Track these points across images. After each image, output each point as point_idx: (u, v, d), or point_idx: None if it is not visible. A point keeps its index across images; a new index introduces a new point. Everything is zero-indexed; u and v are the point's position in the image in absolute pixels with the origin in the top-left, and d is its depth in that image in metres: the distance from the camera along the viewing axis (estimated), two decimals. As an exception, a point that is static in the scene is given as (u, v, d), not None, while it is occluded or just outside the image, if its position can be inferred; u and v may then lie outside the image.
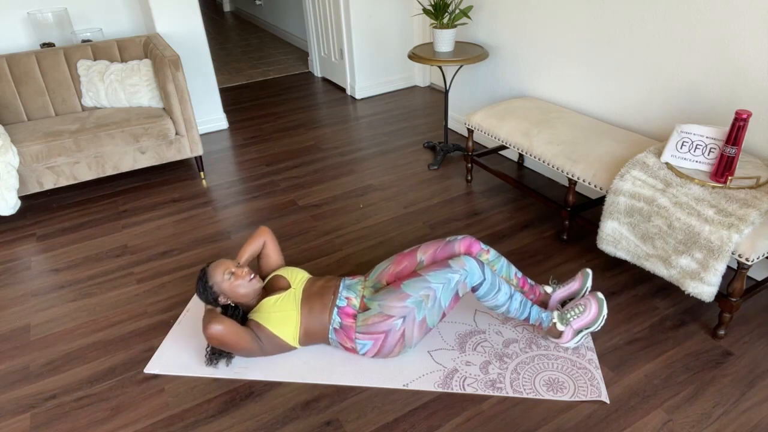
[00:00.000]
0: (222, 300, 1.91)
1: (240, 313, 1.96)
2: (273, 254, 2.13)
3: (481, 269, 1.81)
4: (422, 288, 1.79)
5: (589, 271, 2.05)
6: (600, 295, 1.91)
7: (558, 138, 2.45)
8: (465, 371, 1.86)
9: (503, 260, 2.02)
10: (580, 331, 1.90)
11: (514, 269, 2.03)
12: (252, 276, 1.91)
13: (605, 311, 1.88)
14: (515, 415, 1.71)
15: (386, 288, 1.86)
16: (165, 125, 3.04)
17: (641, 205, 1.97)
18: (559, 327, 1.90)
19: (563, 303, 2.07)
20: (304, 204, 2.98)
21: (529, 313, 1.89)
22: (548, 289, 2.07)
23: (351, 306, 1.88)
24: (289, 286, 1.96)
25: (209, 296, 1.89)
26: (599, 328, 1.94)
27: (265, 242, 2.12)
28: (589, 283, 2.04)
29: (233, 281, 1.88)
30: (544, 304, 2.06)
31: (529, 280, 2.06)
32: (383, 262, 2.03)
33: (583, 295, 2.03)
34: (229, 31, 7.36)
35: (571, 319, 1.90)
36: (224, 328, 1.77)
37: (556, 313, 1.92)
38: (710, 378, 1.81)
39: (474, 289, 1.83)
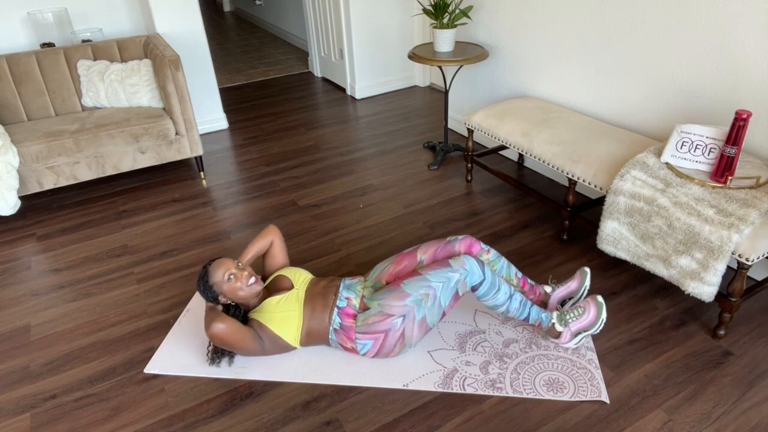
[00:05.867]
0: (222, 300, 1.90)
1: (241, 312, 1.96)
2: (279, 254, 2.12)
3: (481, 269, 1.81)
4: (422, 287, 1.79)
5: (587, 269, 2.05)
6: (600, 298, 1.91)
7: (558, 138, 2.45)
8: (465, 371, 1.86)
9: (503, 260, 2.02)
10: (579, 333, 1.90)
11: (514, 269, 2.04)
12: (252, 279, 1.89)
13: (604, 315, 1.88)
14: (515, 415, 1.71)
15: (386, 287, 1.86)
16: (165, 125, 3.04)
17: (641, 205, 1.97)
18: (558, 328, 1.90)
19: (563, 302, 2.07)
20: (304, 204, 2.98)
21: (529, 313, 1.89)
22: (548, 289, 2.07)
23: (351, 306, 1.88)
24: (292, 287, 1.96)
25: (209, 295, 1.88)
26: (598, 331, 1.93)
27: (272, 242, 2.11)
28: (588, 282, 2.03)
29: (233, 283, 1.87)
30: (544, 304, 2.06)
31: (530, 281, 2.06)
32: (383, 262, 2.03)
33: (582, 294, 2.03)
34: (229, 31, 7.36)
35: (570, 320, 1.90)
36: (226, 327, 1.77)
37: (555, 314, 1.92)
38: (710, 378, 1.81)
39: (474, 289, 1.83)
